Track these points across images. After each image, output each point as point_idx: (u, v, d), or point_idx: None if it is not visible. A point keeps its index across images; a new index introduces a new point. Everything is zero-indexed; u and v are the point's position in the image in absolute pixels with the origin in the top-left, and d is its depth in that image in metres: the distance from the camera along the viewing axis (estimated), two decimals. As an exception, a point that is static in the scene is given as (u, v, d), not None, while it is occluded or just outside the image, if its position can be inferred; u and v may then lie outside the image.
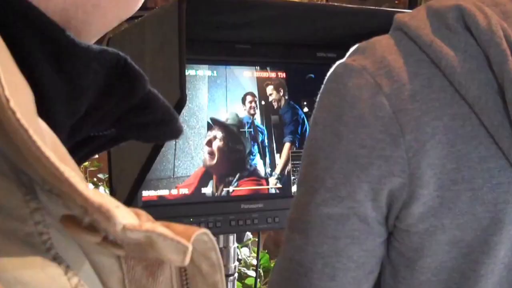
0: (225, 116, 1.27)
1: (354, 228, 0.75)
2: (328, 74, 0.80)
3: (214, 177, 1.25)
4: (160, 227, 0.34)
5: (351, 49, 0.80)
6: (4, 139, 0.34)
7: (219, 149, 1.25)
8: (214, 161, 1.24)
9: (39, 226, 0.36)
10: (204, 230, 0.37)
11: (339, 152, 0.75)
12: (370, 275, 0.79)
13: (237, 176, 1.27)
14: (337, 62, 0.79)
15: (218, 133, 1.25)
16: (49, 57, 0.40)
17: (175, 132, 0.51)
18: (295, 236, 0.79)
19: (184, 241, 0.34)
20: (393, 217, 0.76)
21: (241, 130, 1.29)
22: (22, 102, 0.33)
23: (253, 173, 1.30)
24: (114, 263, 0.39)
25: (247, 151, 1.29)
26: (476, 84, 0.71)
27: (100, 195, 0.33)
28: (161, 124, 0.49)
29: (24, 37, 0.39)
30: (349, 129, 0.74)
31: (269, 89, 1.34)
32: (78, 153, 0.49)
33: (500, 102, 0.71)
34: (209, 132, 1.24)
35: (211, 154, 1.25)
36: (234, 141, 1.28)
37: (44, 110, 0.38)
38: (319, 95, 0.80)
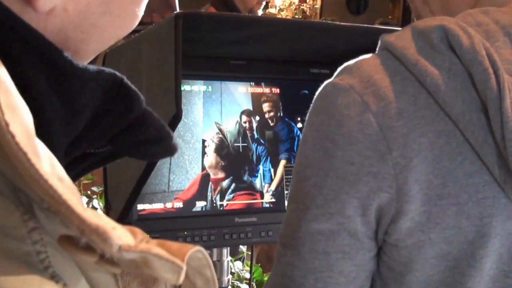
0: (223, 128, 1.28)
1: (344, 244, 0.77)
2: (317, 93, 0.81)
3: (209, 190, 1.26)
4: (155, 248, 0.35)
5: (339, 69, 0.82)
6: (3, 159, 0.35)
7: (217, 154, 1.26)
8: (210, 164, 1.25)
9: (37, 245, 0.36)
10: (198, 247, 0.38)
11: (328, 169, 0.77)
12: None
13: (232, 187, 1.28)
14: (325, 82, 0.81)
15: (219, 137, 1.26)
16: (47, 79, 0.41)
17: (170, 149, 0.52)
18: (286, 252, 0.80)
19: (179, 261, 0.35)
20: (382, 232, 0.78)
21: (235, 145, 1.30)
22: (21, 124, 0.34)
23: (249, 187, 1.31)
24: (110, 280, 0.40)
25: (244, 164, 1.30)
26: (460, 102, 0.73)
27: (97, 216, 0.34)
28: (156, 142, 0.50)
29: (22, 59, 0.40)
30: (338, 146, 0.76)
31: (266, 106, 1.35)
32: (74, 169, 0.50)
33: (484, 119, 0.72)
34: (206, 143, 1.25)
35: (205, 169, 1.25)
36: (234, 151, 1.29)
37: (42, 130, 0.39)
38: (308, 114, 0.82)
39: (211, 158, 1.26)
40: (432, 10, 0.90)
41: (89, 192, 2.41)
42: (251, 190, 1.31)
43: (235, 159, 1.30)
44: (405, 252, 0.77)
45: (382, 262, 0.80)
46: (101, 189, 2.22)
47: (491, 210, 0.74)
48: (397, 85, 0.75)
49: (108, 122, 0.47)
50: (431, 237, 0.75)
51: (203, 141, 1.26)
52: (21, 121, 0.35)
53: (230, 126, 1.30)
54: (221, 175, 1.28)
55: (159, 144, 0.51)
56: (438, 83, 0.73)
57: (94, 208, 2.16)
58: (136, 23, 0.51)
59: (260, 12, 3.13)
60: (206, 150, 1.26)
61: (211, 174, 1.26)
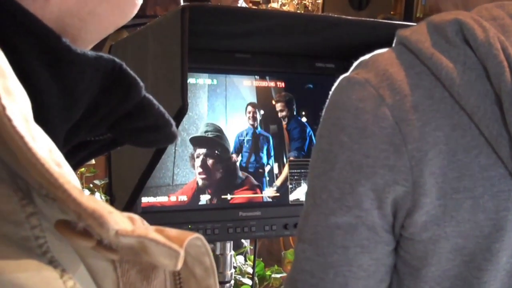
0: (211, 129, 1.28)
1: (363, 237, 0.77)
2: (333, 88, 0.82)
3: (208, 186, 1.26)
4: (152, 233, 0.35)
5: (354, 64, 0.82)
6: (1, 144, 0.34)
7: (207, 166, 1.26)
8: (204, 180, 1.25)
9: (35, 230, 0.36)
10: (197, 234, 0.38)
11: (344, 162, 0.77)
12: (381, 284, 0.80)
13: (230, 185, 1.28)
14: (341, 76, 0.81)
15: (202, 151, 1.25)
16: (45, 64, 0.41)
17: (170, 137, 0.51)
18: (305, 247, 0.80)
19: (176, 246, 0.35)
20: (398, 226, 0.78)
21: (229, 143, 1.29)
22: (18, 108, 0.34)
23: (245, 183, 1.30)
24: (108, 267, 0.40)
25: (236, 162, 1.30)
26: (475, 95, 0.73)
27: (93, 201, 0.34)
28: (156, 129, 0.50)
29: (21, 44, 0.39)
30: (354, 139, 0.76)
31: (271, 99, 1.35)
32: (75, 157, 0.50)
33: (498, 112, 0.73)
34: (195, 149, 1.25)
35: (200, 168, 1.25)
36: (221, 154, 1.28)
37: (41, 116, 0.39)
38: (324, 109, 0.82)
39: (206, 167, 1.26)
40: (456, 3, 0.89)
41: (91, 185, 2.41)
42: (248, 185, 1.31)
43: (229, 158, 1.29)
44: (421, 246, 0.77)
45: (398, 257, 0.80)
46: (103, 182, 2.21)
47: (507, 203, 0.74)
48: (413, 79, 0.76)
49: (107, 108, 0.46)
50: (447, 231, 0.75)
51: (197, 143, 1.25)
52: (18, 105, 0.34)
53: (235, 120, 1.30)
54: (218, 180, 1.27)
55: (159, 131, 0.51)
56: (453, 76, 0.73)
57: (96, 201, 2.16)
58: (135, 11, 0.50)
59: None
60: (199, 160, 1.25)
61: (208, 184, 1.26)
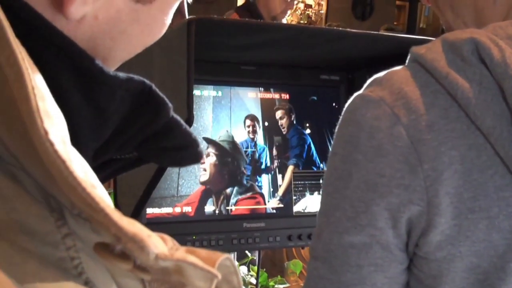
0: (223, 134, 1.29)
1: (377, 256, 0.77)
2: (346, 105, 0.81)
3: (212, 197, 1.26)
4: (189, 256, 0.35)
5: (368, 81, 0.81)
6: (37, 165, 0.35)
7: (214, 166, 1.27)
8: (208, 178, 1.26)
9: (71, 251, 0.37)
10: (226, 255, 0.38)
11: (358, 181, 0.77)
12: None
13: (233, 194, 1.28)
14: (355, 94, 0.81)
15: (212, 151, 1.27)
16: (78, 85, 0.41)
17: (195, 157, 0.52)
18: (318, 265, 0.80)
19: (214, 270, 0.35)
20: (412, 244, 0.78)
21: (238, 150, 1.30)
22: (58, 132, 0.35)
23: (250, 190, 1.31)
24: (138, 285, 0.40)
25: (243, 169, 1.30)
26: (490, 115, 0.73)
27: (132, 224, 0.34)
28: (182, 149, 0.51)
29: (55, 65, 0.40)
30: (368, 158, 0.76)
31: (279, 113, 1.36)
32: (101, 174, 0.51)
33: None
34: (207, 147, 1.26)
35: (205, 171, 1.26)
36: (229, 158, 1.29)
37: (73, 136, 0.39)
38: (337, 126, 0.81)
39: (212, 166, 1.27)
40: (465, 22, 0.89)
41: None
42: (252, 192, 1.31)
43: (237, 164, 1.30)
44: (435, 265, 0.77)
45: (411, 274, 0.80)
46: (109, 192, 2.22)
47: None
48: (428, 98, 0.75)
49: (136, 129, 0.47)
50: (461, 251, 0.75)
51: (207, 145, 1.26)
52: (58, 128, 0.35)
53: (237, 131, 1.31)
54: (222, 182, 1.28)
55: (185, 150, 0.51)
56: (469, 96, 0.73)
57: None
58: (164, 31, 0.51)
59: (284, 20, 3.17)
60: (209, 153, 1.26)
61: (211, 183, 1.26)
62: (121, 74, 0.44)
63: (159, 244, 0.35)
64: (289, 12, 3.24)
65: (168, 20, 0.51)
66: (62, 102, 0.39)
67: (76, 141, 0.40)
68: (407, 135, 0.75)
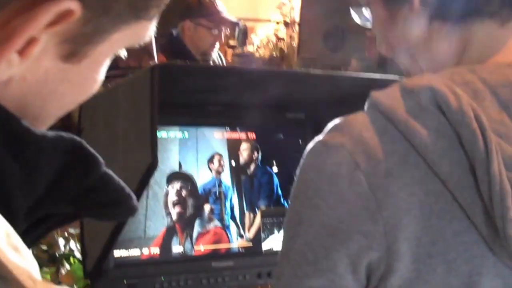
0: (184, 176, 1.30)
1: None
2: (307, 150, 0.83)
3: (177, 236, 1.26)
4: None
5: (328, 126, 0.83)
6: None
7: (176, 202, 1.27)
8: (174, 219, 1.27)
9: None
10: None
11: (319, 226, 0.78)
12: None
13: (198, 233, 1.29)
14: (315, 139, 0.82)
15: (176, 186, 1.27)
16: (7, 146, 0.43)
17: (130, 211, 0.53)
18: None
19: None
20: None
21: (199, 189, 1.31)
22: None
23: (216, 232, 1.32)
24: None
25: (209, 209, 1.31)
26: (448, 162, 0.74)
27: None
28: (115, 204, 0.52)
29: None
30: (328, 204, 0.77)
31: (242, 150, 1.37)
32: (36, 230, 0.52)
33: (472, 180, 0.74)
34: (168, 187, 1.27)
35: (169, 212, 1.27)
36: (191, 193, 1.30)
37: (4, 196, 0.41)
38: (298, 170, 0.83)
39: (177, 208, 1.27)
40: (422, 67, 0.91)
41: (66, 233, 2.39)
42: (219, 235, 1.32)
43: (200, 204, 1.31)
44: None
45: None
46: (78, 231, 2.20)
47: (480, 268, 0.76)
48: (386, 145, 0.77)
49: (69, 185, 0.48)
50: None
51: (167, 192, 1.27)
52: None
53: (204, 172, 1.32)
54: (187, 223, 1.28)
55: (119, 205, 0.52)
56: (427, 143, 0.75)
57: (71, 250, 2.15)
58: (97, 87, 0.52)
59: (215, 54, 3.05)
60: (171, 199, 1.27)
61: (176, 224, 1.27)
62: (50, 133, 0.46)
63: None
64: (258, 44, 3.19)
65: (100, 76, 0.52)
66: None
67: (5, 199, 0.41)
68: (366, 182, 0.76)
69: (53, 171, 0.46)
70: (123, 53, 0.55)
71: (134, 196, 0.53)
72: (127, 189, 0.52)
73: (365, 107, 0.83)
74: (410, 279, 0.76)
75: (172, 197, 1.26)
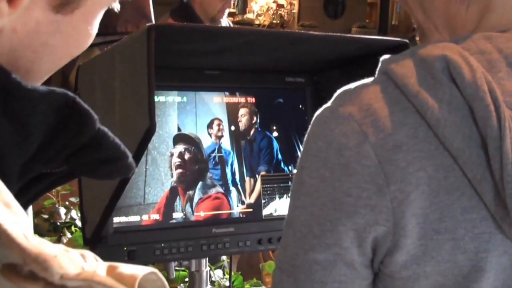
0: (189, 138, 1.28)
1: (341, 273, 0.77)
2: (315, 116, 0.80)
3: (179, 197, 1.26)
4: (98, 275, 0.36)
5: (337, 93, 0.80)
6: None
7: (179, 165, 1.26)
8: (176, 178, 1.26)
9: None
10: (152, 269, 0.39)
11: (325, 198, 0.76)
12: None
13: (197, 190, 1.28)
14: (323, 106, 0.80)
15: (179, 148, 1.26)
16: None
17: (126, 169, 0.52)
18: (283, 278, 0.80)
19: (122, 287, 0.36)
20: (377, 262, 0.78)
21: (204, 153, 1.30)
22: None
23: (217, 197, 1.31)
24: None
25: (210, 174, 1.30)
26: (460, 137, 0.72)
27: (40, 245, 0.34)
28: (111, 162, 0.51)
29: None
30: (335, 176, 0.76)
31: (241, 115, 1.36)
32: (32, 190, 0.50)
33: (483, 156, 0.72)
34: (171, 149, 1.26)
35: (172, 168, 1.25)
36: (195, 156, 1.29)
37: None
38: (306, 137, 0.81)
39: (179, 169, 1.26)
40: (436, 25, 0.88)
41: (67, 202, 2.40)
42: (216, 193, 1.31)
43: (203, 168, 1.30)
44: (400, 284, 0.77)
45: None
46: (76, 201, 2.20)
47: (487, 245, 0.74)
48: (397, 116, 0.75)
49: (62, 142, 0.47)
50: (426, 270, 0.75)
51: (171, 153, 1.26)
52: None
53: (204, 137, 1.30)
54: (189, 185, 1.27)
55: (114, 163, 0.51)
56: (438, 117, 0.72)
57: (72, 219, 2.15)
58: (90, 41, 0.51)
59: (225, 20, 3.09)
60: (175, 161, 1.26)
61: (179, 186, 1.26)
62: (42, 87, 0.44)
63: (66, 264, 0.35)
64: (258, 11, 3.22)
65: (94, 29, 0.51)
66: None
67: None
68: (375, 155, 0.74)
69: (46, 127, 0.45)
70: (116, 6, 0.53)
71: (129, 154, 0.52)
72: (123, 147, 0.51)
73: (376, 73, 0.80)
74: (416, 255, 0.75)
75: (175, 160, 1.25)
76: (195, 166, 1.28)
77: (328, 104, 0.80)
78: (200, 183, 1.28)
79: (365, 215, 0.75)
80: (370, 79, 0.80)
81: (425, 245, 0.74)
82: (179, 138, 1.27)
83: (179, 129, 1.27)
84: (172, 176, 1.25)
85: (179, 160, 1.26)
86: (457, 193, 0.74)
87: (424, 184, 0.73)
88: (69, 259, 0.36)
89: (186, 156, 1.27)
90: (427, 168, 0.73)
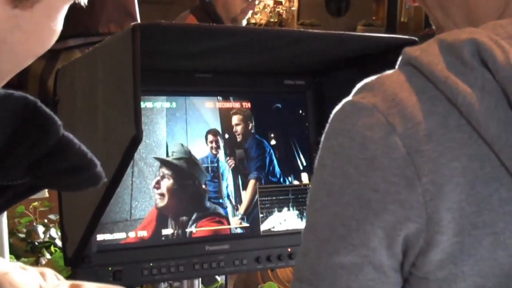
0: (177, 150, 1.28)
1: (369, 278, 0.76)
2: (333, 112, 0.81)
3: (170, 219, 1.26)
4: None
5: (357, 86, 0.81)
6: None
7: (170, 190, 1.26)
8: (165, 203, 1.25)
9: None
10: None
11: (350, 197, 0.76)
12: None
13: (194, 216, 1.28)
14: (344, 100, 0.80)
15: (167, 173, 1.26)
16: None
17: (94, 179, 0.52)
18: None
19: None
20: (408, 264, 0.78)
21: (197, 166, 1.30)
22: None
23: (213, 213, 1.31)
24: None
25: (204, 187, 1.30)
26: (495, 123, 0.73)
27: None
28: (77, 171, 0.50)
29: None
30: (361, 172, 0.76)
31: (235, 121, 1.36)
32: None
33: None
34: (158, 172, 1.25)
35: (162, 195, 1.25)
36: (188, 180, 1.28)
37: None
38: (324, 136, 0.81)
39: (169, 190, 1.26)
40: (456, 22, 0.89)
41: (46, 220, 2.39)
42: (215, 215, 1.31)
43: (198, 184, 1.30)
44: (435, 286, 0.77)
45: None
46: (59, 217, 2.19)
47: None
48: (425, 105, 0.75)
49: (23, 149, 0.47)
50: (464, 270, 0.75)
51: (160, 165, 1.26)
52: None
53: (196, 146, 1.30)
54: (181, 207, 1.27)
55: (80, 173, 0.51)
56: (471, 102, 0.73)
57: (52, 238, 2.15)
58: (55, 38, 0.51)
59: (244, 22, 3.18)
60: (164, 174, 1.26)
61: (169, 209, 1.26)
62: None
63: (18, 281, 0.35)
64: (252, 10, 3.27)
65: (58, 26, 0.50)
66: None
67: None
68: (403, 146, 0.75)
69: (5, 132, 0.45)
70: (84, 1, 0.53)
71: (98, 163, 0.52)
72: (90, 155, 0.51)
73: (397, 65, 0.81)
74: (452, 253, 0.75)
75: (162, 179, 1.25)
76: (185, 180, 1.28)
77: (348, 97, 0.81)
78: (191, 199, 1.28)
79: (395, 212, 0.75)
80: (392, 71, 0.80)
81: (462, 242, 0.74)
82: (170, 164, 1.27)
83: (167, 138, 1.27)
84: (158, 193, 1.25)
85: (170, 186, 1.26)
86: (495, 184, 0.74)
87: (458, 175, 0.74)
88: (25, 277, 0.36)
89: (175, 186, 1.26)
90: (461, 158, 0.74)
